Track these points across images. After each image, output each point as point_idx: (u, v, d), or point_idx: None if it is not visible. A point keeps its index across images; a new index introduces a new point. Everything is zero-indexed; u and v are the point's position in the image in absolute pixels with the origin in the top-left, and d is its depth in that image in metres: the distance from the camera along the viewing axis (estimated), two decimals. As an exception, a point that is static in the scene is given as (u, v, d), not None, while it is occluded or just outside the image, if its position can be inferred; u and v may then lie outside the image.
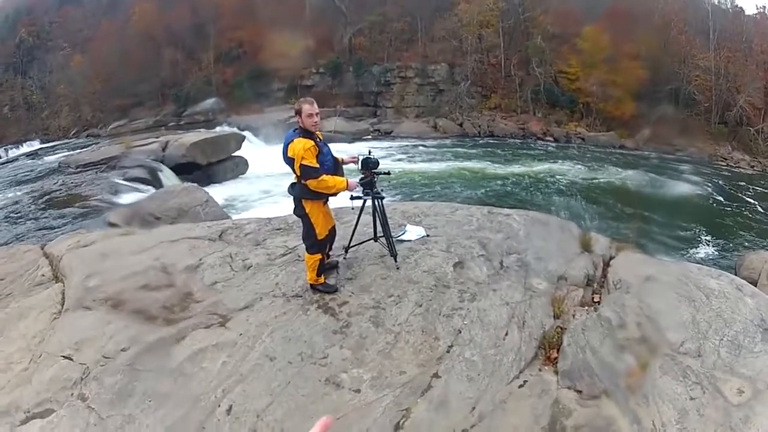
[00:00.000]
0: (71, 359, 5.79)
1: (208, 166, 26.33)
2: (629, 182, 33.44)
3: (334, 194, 6.45)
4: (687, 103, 46.78)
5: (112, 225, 15.72)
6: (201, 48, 51.68)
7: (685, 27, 49.06)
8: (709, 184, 34.94)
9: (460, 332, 6.21)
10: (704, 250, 22.55)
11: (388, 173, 7.52)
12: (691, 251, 22.15)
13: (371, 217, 7.37)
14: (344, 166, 6.96)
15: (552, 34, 50.20)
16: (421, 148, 40.62)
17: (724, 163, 42.85)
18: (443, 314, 6.48)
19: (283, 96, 48.05)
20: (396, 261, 7.34)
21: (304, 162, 5.99)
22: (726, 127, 45.88)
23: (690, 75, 46.27)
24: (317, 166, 6.08)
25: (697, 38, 48.08)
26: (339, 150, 25.24)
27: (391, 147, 40.13)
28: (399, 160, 36.26)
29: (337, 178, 6.27)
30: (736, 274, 19.16)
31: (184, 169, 25.18)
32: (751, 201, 32.44)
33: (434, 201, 25.14)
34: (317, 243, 6.58)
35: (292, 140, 6.12)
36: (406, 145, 41.27)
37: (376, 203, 7.08)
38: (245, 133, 34.34)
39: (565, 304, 7.12)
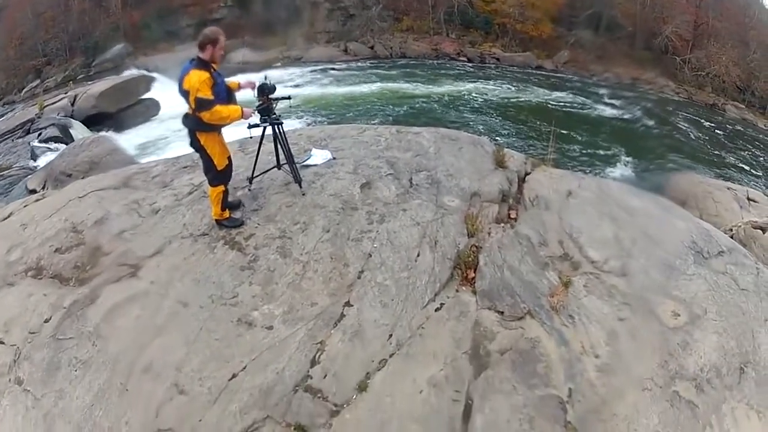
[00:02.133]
0: (2, 343, 5.56)
1: (119, 113, 26.15)
2: (549, 102, 33.13)
3: (229, 123, 6.17)
4: (609, 28, 46.69)
5: (31, 191, 15.53)
6: None
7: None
8: (636, 107, 35.04)
9: (371, 256, 6.05)
10: (627, 171, 22.31)
11: (289, 98, 7.12)
12: (613, 170, 21.89)
13: (273, 145, 7.16)
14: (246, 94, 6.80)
15: None
16: (331, 71, 39.03)
17: (648, 87, 43.02)
18: (352, 238, 6.31)
19: (192, 32, 44.19)
20: (301, 187, 7.14)
21: (199, 95, 5.77)
22: (651, 54, 46.08)
23: (613, 1, 46.38)
24: (211, 97, 5.84)
25: None
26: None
27: (299, 73, 38.56)
28: (308, 83, 34.77)
29: (231, 107, 6.05)
30: (660, 194, 19.55)
31: (95, 120, 25.08)
32: (679, 125, 32.81)
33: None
34: (218, 174, 6.37)
35: (188, 72, 5.88)
36: (316, 70, 39.54)
37: (277, 129, 6.89)
38: (154, 74, 33.31)
39: (480, 221, 6.82)
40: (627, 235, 6.24)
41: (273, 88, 6.70)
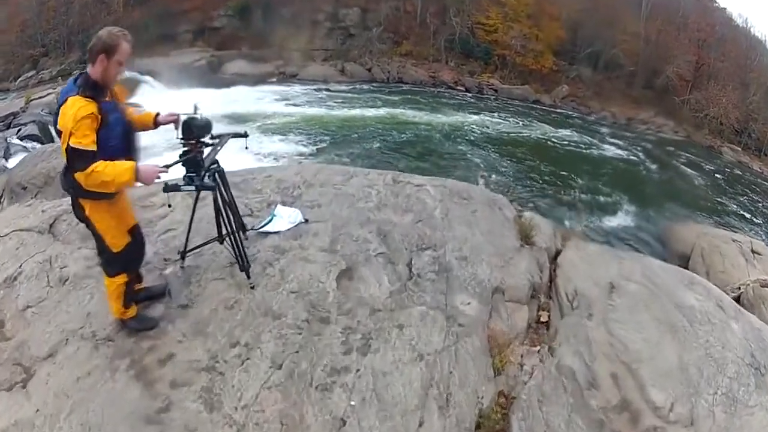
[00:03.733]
0: None
1: None
2: (551, 140, 32.46)
3: (115, 192, 3.97)
4: (608, 66, 46.91)
5: (-9, 200, 13.90)
6: None
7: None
8: (636, 147, 34.75)
9: (344, 424, 3.90)
10: (629, 219, 21.54)
11: (245, 135, 5.09)
12: (615, 219, 21.13)
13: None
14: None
15: None
16: (325, 92, 38.23)
17: (645, 127, 43.07)
18: (317, 385, 4.15)
19: (190, 38, 46.01)
20: (249, 277, 4.94)
21: (73, 142, 3.57)
22: (650, 93, 46.19)
23: (616, 39, 46.28)
24: (92, 149, 3.62)
25: (630, 5, 48.23)
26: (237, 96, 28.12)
27: (292, 90, 37.61)
28: (301, 102, 33.85)
29: (118, 167, 3.69)
30: (664, 247, 18.72)
31: None
32: (679, 168, 32.51)
33: (329, 155, 24.02)
34: (115, 259, 4.18)
35: (66, 100, 3.66)
36: (310, 89, 38.69)
37: (218, 191, 4.62)
38: (146, 77, 33.37)
39: (508, 346, 4.94)
40: (692, 357, 4.84)
41: (206, 126, 4.50)
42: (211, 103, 29.72)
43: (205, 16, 46.81)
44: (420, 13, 48.64)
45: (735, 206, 27.59)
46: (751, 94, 44.59)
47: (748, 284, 14.23)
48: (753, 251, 17.33)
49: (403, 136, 28.14)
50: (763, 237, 23.48)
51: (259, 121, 28.12)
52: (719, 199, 27.92)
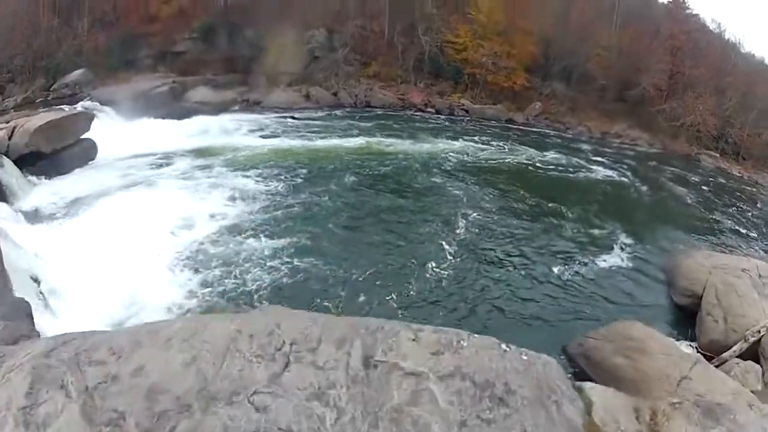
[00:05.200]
0: None
1: (54, 154, 23.00)
2: (534, 164, 31.25)
3: None
4: (580, 80, 46.66)
5: None
6: (78, 13, 45.97)
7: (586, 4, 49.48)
8: (618, 164, 34.21)
9: None
10: (627, 252, 20.26)
11: None
12: (612, 254, 19.81)
13: None
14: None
15: (443, 1, 48.87)
16: (290, 120, 36.32)
17: (619, 141, 43.03)
18: None
19: (151, 63, 44.06)
20: None
21: None
22: (623, 105, 46.17)
23: (589, 53, 46.08)
24: None
25: (601, 16, 48.51)
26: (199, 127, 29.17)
27: (256, 119, 35.60)
28: (264, 136, 31.67)
29: None
30: (671, 287, 17.13)
31: (29, 160, 21.86)
32: (665, 184, 32.07)
33: (298, 194, 21.81)
34: None
35: None
36: (274, 118, 36.69)
37: None
38: (105, 107, 31.66)
39: None
40: None
41: None
42: (173, 136, 28.58)
43: (167, 39, 45.27)
44: (387, 32, 47.63)
45: (727, 220, 27.16)
46: (728, 100, 44.73)
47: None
48: (761, 276, 16.54)
49: (380, 168, 26.56)
50: (761, 252, 23.13)
51: (223, 154, 26.45)
52: (710, 216, 27.30)
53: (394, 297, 14.84)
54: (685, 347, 14.18)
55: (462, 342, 6.40)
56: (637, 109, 45.62)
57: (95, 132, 25.63)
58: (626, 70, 45.71)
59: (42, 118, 23.81)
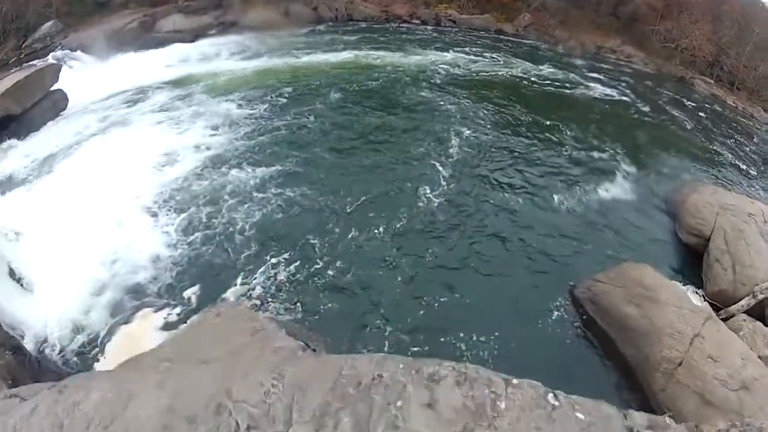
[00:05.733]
0: None
1: (24, 114, 21.68)
2: (529, 78, 29.30)
3: None
4: None
5: None
6: None
7: None
8: (616, 82, 32.68)
9: None
10: (631, 179, 19.11)
11: None
12: (616, 180, 18.60)
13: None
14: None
15: None
16: (270, 40, 33.27)
17: (614, 56, 41.48)
18: None
19: (122, 2, 40.10)
20: None
21: None
22: (617, 21, 44.40)
23: None
24: None
25: None
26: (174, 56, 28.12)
27: (235, 42, 32.82)
28: (244, 57, 29.30)
29: None
30: (678, 223, 16.44)
31: (1, 125, 20.68)
32: (663, 106, 30.76)
33: (286, 116, 20.39)
34: None
35: None
36: (253, 38, 33.73)
37: None
38: (76, 53, 29.91)
39: None
40: None
41: None
42: (149, 68, 26.51)
43: None
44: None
45: (727, 153, 26.06)
46: (725, 27, 43.39)
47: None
48: (766, 222, 15.97)
49: (369, 83, 24.47)
50: (761, 192, 22.51)
51: (204, 80, 24.16)
52: (711, 146, 26.14)
53: (388, 232, 13.55)
54: (692, 294, 13.62)
55: (498, 402, 4.59)
56: (631, 26, 43.94)
57: (66, 81, 23.74)
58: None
59: (11, 79, 22.39)
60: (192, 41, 32.99)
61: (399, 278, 12.21)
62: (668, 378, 10.14)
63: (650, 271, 12.35)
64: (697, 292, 13.98)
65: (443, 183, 15.82)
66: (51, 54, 30.74)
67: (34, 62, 27.76)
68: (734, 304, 13.24)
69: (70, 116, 22.02)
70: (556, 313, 12.16)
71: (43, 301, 10.90)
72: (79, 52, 30.09)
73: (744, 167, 24.96)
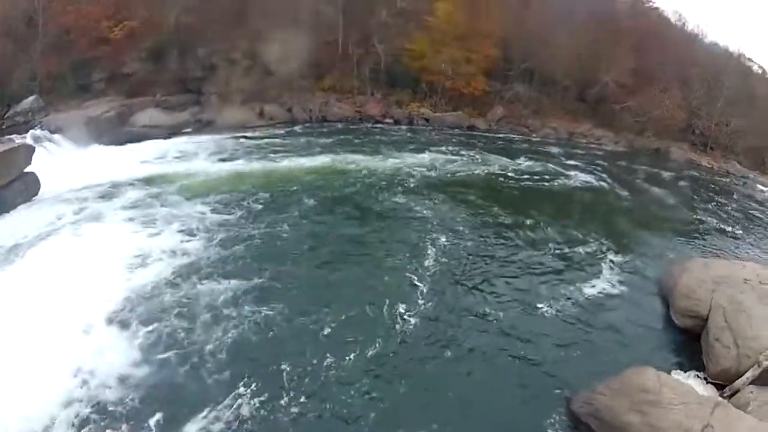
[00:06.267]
0: None
1: None
2: (503, 174, 29.46)
3: None
4: (543, 82, 45.52)
5: None
6: (31, 37, 42.36)
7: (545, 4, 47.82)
8: (592, 167, 33.16)
9: None
10: (621, 270, 18.80)
11: None
12: (605, 280, 18.00)
13: None
14: None
15: (400, 10, 46.63)
16: (245, 141, 33.63)
17: (586, 141, 42.48)
18: None
19: (102, 87, 41.19)
20: None
21: None
22: (586, 105, 45.76)
23: (550, 53, 44.27)
24: None
25: (563, 16, 46.18)
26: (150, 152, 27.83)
27: (211, 141, 32.95)
28: (220, 159, 29.01)
29: None
30: (667, 302, 16.10)
31: None
32: (640, 184, 31.28)
33: (260, 223, 19.83)
34: None
35: None
36: (229, 138, 34.02)
37: None
38: (55, 136, 29.63)
39: None
40: None
41: None
42: (125, 163, 26.28)
43: (115, 62, 42.37)
44: (342, 43, 45.44)
45: (710, 218, 26.35)
46: (694, 91, 44.70)
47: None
48: (761, 283, 15.77)
49: (342, 190, 24.48)
50: (750, 250, 22.74)
51: (179, 180, 24.03)
52: (694, 216, 26.45)
53: (363, 359, 12.82)
54: (694, 379, 13.20)
55: None
56: (600, 107, 45.12)
57: (42, 163, 23.64)
58: (589, 69, 44.63)
59: (-13, 151, 22.04)
60: (168, 137, 33.06)
61: (375, 412, 11.37)
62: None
63: (652, 373, 11.74)
64: (698, 376, 13.44)
65: (420, 299, 15.23)
66: (30, 132, 30.52)
67: (13, 136, 27.61)
68: (738, 378, 12.72)
69: (42, 202, 21.59)
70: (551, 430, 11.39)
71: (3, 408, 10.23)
72: (57, 135, 29.82)
73: (729, 229, 24.97)
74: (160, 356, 12.25)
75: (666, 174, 34.02)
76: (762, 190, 36.17)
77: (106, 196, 21.69)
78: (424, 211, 22.06)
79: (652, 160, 37.60)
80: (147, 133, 33.62)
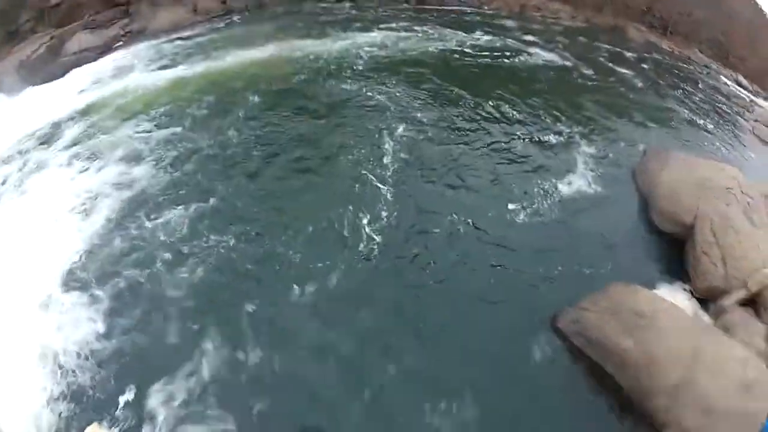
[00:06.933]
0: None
1: None
2: (461, 51, 26.68)
3: None
4: None
5: None
6: None
7: None
8: (550, 44, 30.65)
9: None
10: (592, 161, 17.08)
11: None
12: (577, 162, 16.66)
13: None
14: None
15: None
16: (180, 43, 29.42)
17: (540, 14, 39.21)
18: None
19: (33, 26, 35.54)
20: None
21: None
22: None
23: None
24: None
25: None
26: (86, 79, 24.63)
27: (143, 51, 28.71)
28: (157, 68, 25.40)
29: None
30: (647, 202, 15.11)
31: None
32: (605, 64, 29.24)
33: (203, 135, 17.47)
34: None
35: None
36: (163, 44, 29.66)
37: None
38: None
39: None
40: None
41: None
42: (62, 98, 23.27)
43: None
44: None
45: (680, 108, 24.78)
46: None
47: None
48: (743, 193, 14.78)
49: (291, 80, 21.48)
50: (721, 146, 21.67)
51: (119, 100, 21.02)
52: (663, 103, 24.80)
53: (331, 284, 11.33)
54: (680, 291, 12.58)
55: None
56: None
57: None
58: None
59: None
60: (98, 58, 29.67)
61: (347, 351, 10.04)
62: (672, 401, 9.31)
63: (643, 294, 10.91)
64: (684, 289, 12.64)
65: (383, 207, 13.32)
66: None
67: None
68: (725, 297, 12.16)
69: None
70: (539, 353, 10.30)
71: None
72: (-12, 88, 27.13)
73: (701, 122, 23.68)
74: (123, 321, 10.70)
75: (629, 54, 32.49)
76: (726, 83, 35.31)
77: (46, 140, 18.87)
78: (378, 97, 19.55)
79: (612, 39, 35.62)
80: (79, 59, 29.65)
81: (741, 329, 11.18)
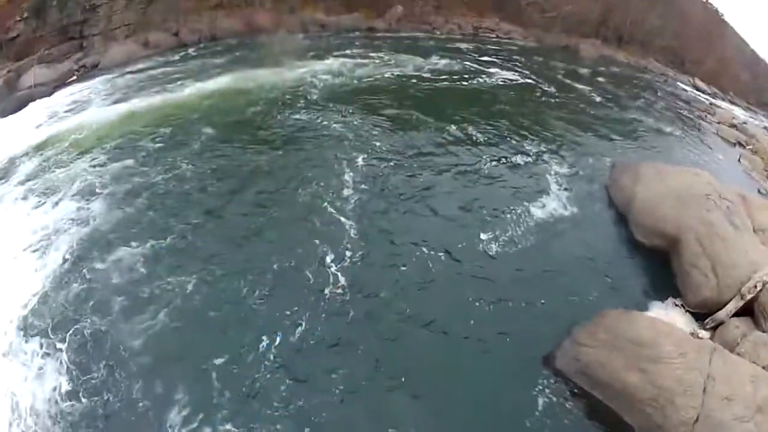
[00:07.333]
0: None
1: None
2: (417, 76, 26.11)
3: None
4: None
5: None
6: None
7: None
8: (513, 64, 30.56)
9: None
10: (565, 181, 16.36)
11: None
12: (549, 182, 15.97)
13: None
14: None
15: None
16: (131, 77, 28.55)
17: (494, 35, 40.25)
18: None
19: None
20: None
21: None
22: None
23: None
24: None
25: None
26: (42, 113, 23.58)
27: (95, 87, 27.68)
28: (107, 103, 24.24)
29: None
30: (625, 218, 14.50)
31: None
32: (563, 81, 29.16)
33: (149, 174, 16.15)
34: None
35: None
36: (114, 78, 28.77)
37: None
38: None
39: None
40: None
41: None
42: (16, 133, 22.30)
43: (2, 28, 36.74)
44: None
45: (645, 117, 24.98)
46: None
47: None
48: (721, 197, 14.29)
49: (245, 111, 20.63)
50: (689, 152, 21.45)
51: (74, 135, 19.94)
52: (627, 114, 24.81)
53: (300, 330, 10.24)
54: (673, 308, 11.89)
55: None
56: (504, 2, 43.10)
57: None
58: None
59: None
60: (52, 93, 28.86)
61: (323, 407, 8.91)
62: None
63: (640, 320, 10.10)
64: (677, 304, 11.96)
65: (347, 245, 12.20)
66: None
67: None
68: (720, 309, 11.59)
69: None
70: (541, 400, 9.23)
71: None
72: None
73: (666, 130, 23.58)
74: (88, 378, 9.69)
75: (584, 70, 32.49)
76: (684, 89, 35.93)
77: (2, 175, 17.94)
78: (335, 126, 18.66)
79: (566, 56, 35.93)
80: (34, 93, 29.03)
81: (744, 342, 10.62)
